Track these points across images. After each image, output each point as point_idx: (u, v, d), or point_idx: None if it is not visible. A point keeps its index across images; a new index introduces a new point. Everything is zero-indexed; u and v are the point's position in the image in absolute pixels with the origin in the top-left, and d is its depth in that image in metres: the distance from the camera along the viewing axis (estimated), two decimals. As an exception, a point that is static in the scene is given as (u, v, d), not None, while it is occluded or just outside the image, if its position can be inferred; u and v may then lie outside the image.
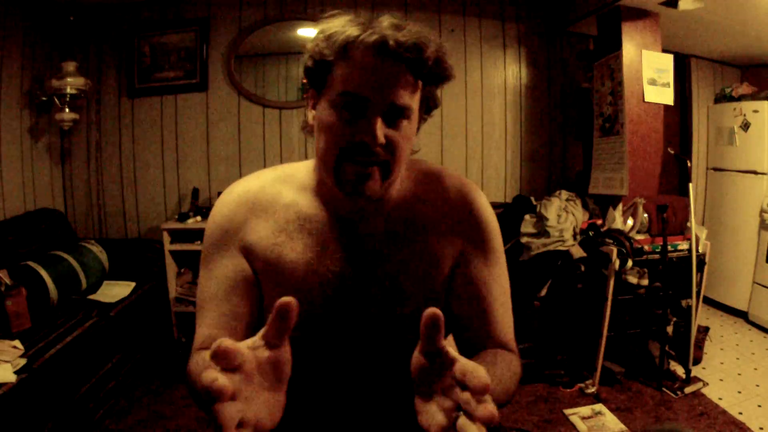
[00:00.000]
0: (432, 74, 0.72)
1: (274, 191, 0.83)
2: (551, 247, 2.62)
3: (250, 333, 0.78)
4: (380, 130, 0.69)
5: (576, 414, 2.25)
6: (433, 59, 0.70)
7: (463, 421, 0.46)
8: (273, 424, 0.48)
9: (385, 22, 0.69)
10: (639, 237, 2.63)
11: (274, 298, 0.77)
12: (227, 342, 0.44)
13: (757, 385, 2.48)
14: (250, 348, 0.48)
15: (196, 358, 0.74)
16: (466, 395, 0.47)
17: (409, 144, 0.76)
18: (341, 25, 0.70)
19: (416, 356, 0.54)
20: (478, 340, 0.80)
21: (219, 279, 0.80)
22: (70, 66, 2.87)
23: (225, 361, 0.44)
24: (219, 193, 3.37)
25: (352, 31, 0.68)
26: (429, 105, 0.78)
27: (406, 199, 0.83)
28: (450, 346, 0.51)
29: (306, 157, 3.31)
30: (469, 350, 0.80)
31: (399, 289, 0.79)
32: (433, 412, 0.50)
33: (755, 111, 3.22)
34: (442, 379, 0.51)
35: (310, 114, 0.78)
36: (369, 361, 0.83)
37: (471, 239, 0.83)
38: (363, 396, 0.85)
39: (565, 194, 2.89)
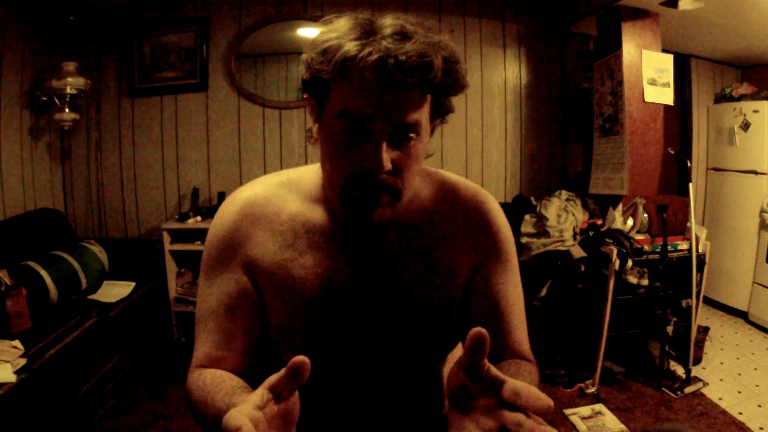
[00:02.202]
0: (441, 88, 0.66)
1: (279, 200, 0.79)
2: (551, 247, 2.62)
3: (250, 350, 0.78)
4: (386, 155, 0.65)
5: (576, 414, 2.25)
6: (441, 73, 0.63)
7: None
8: None
9: (388, 28, 0.63)
10: (639, 237, 2.63)
11: (281, 314, 0.77)
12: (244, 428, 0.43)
13: (757, 385, 2.48)
14: (260, 407, 0.48)
15: (197, 378, 0.72)
16: (517, 417, 0.47)
17: (420, 161, 0.72)
18: (337, 37, 0.63)
19: (455, 371, 0.53)
20: (494, 351, 0.77)
21: (219, 295, 0.76)
22: (70, 66, 2.87)
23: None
24: (219, 193, 3.34)
25: (350, 47, 0.62)
26: (442, 112, 0.73)
27: (420, 210, 0.80)
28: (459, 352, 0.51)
29: (306, 158, 3.31)
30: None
31: (414, 302, 0.77)
32: (470, 429, 0.50)
33: (755, 111, 3.21)
34: (484, 398, 0.51)
35: (315, 127, 0.74)
36: (383, 374, 0.81)
37: (486, 250, 0.81)
38: (378, 411, 0.83)
39: (565, 194, 2.89)
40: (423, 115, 0.67)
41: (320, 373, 0.79)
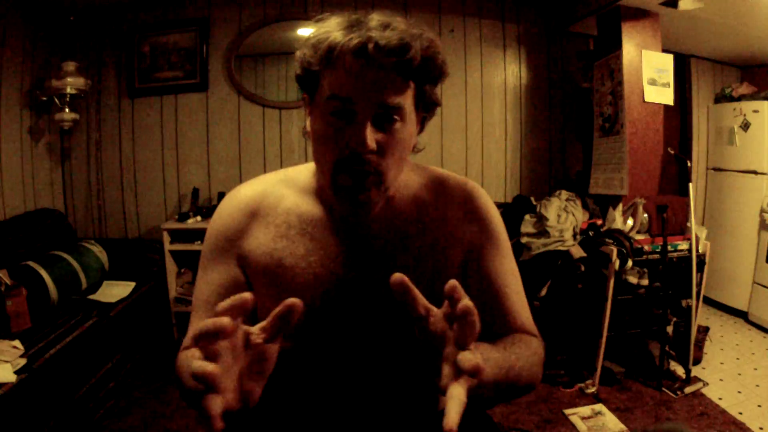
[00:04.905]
0: (421, 73, 0.71)
1: (277, 195, 0.83)
2: (551, 247, 2.62)
3: None
4: (370, 135, 0.68)
5: (576, 414, 2.25)
6: (420, 58, 0.68)
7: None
8: (237, 406, 0.50)
9: (374, 21, 0.68)
10: (639, 237, 2.63)
11: (273, 303, 0.78)
12: (208, 322, 0.46)
13: (757, 385, 2.48)
14: (245, 330, 0.52)
15: (185, 354, 0.78)
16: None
17: (405, 146, 0.74)
18: (326, 31, 0.69)
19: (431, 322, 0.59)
20: (498, 331, 0.80)
21: (213, 285, 0.80)
22: (70, 66, 2.87)
23: (208, 338, 0.47)
24: (219, 194, 3.35)
25: (335, 36, 0.67)
26: (426, 103, 0.76)
27: (410, 200, 0.83)
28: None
29: (306, 157, 3.31)
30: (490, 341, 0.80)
31: None
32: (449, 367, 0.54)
33: (755, 111, 3.21)
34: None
35: (308, 120, 0.78)
36: (376, 362, 0.81)
37: (478, 234, 0.83)
38: (370, 398, 0.83)
39: (565, 194, 2.89)
40: (406, 100, 0.71)
41: (312, 360, 0.80)
